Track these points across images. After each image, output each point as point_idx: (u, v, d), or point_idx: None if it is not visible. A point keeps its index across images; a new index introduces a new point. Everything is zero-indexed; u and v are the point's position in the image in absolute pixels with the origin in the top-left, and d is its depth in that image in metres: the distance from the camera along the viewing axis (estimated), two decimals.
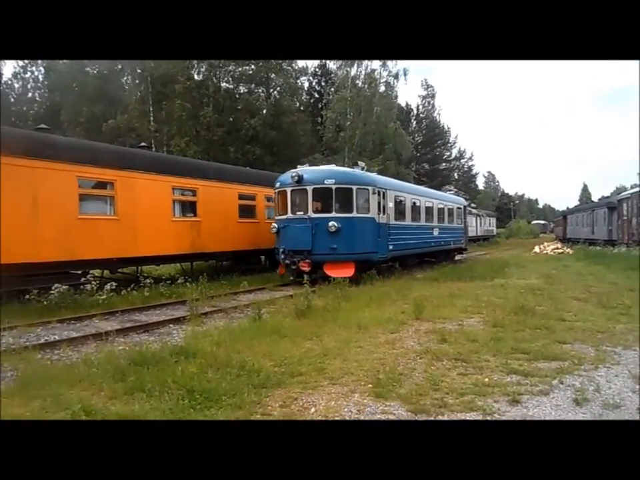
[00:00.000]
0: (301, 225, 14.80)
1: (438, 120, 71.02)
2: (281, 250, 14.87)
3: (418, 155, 64.02)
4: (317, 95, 49.49)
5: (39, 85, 46.63)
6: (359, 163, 17.62)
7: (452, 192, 33.00)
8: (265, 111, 37.50)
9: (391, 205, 17.07)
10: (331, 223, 14.38)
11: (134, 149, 16.28)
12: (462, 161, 78.54)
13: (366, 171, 17.24)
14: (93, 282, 11.25)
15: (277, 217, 15.82)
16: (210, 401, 4.87)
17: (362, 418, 4.55)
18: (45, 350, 7.03)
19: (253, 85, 38.85)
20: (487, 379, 5.55)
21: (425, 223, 21.23)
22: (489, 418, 4.50)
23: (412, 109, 67.85)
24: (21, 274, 10.44)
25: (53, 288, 10.27)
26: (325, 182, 14.87)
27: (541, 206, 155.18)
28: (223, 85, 37.28)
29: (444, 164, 74.50)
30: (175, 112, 32.88)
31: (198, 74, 35.87)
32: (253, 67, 37.07)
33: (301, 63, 44.55)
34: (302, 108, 44.45)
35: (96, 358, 6.19)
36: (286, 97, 39.44)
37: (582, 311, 9.61)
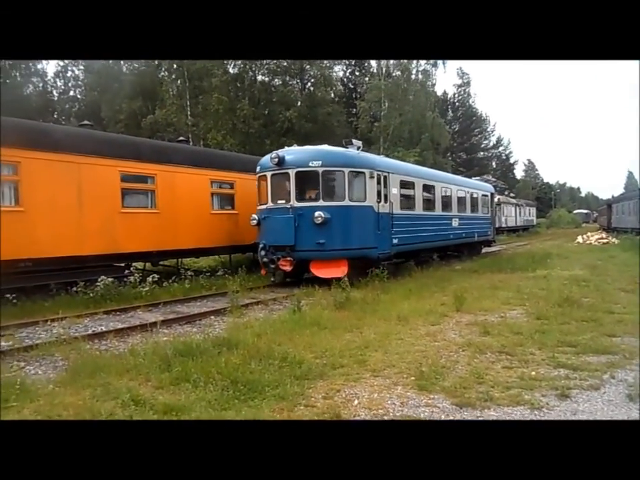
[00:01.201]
0: (283, 216, 12.60)
1: (475, 108, 69.63)
2: (261, 246, 12.82)
3: (455, 144, 62.92)
4: (351, 86, 49.19)
5: (79, 82, 47.94)
6: (353, 141, 14.36)
7: (478, 179, 29.55)
8: (299, 103, 37.50)
9: (395, 191, 14.48)
10: (317, 213, 12.11)
11: (173, 144, 16.54)
12: (500, 149, 76.84)
13: (362, 150, 14.29)
14: (135, 274, 11.54)
15: (257, 207, 13.62)
16: (253, 392, 4.92)
17: (406, 410, 4.52)
18: (94, 340, 7.24)
19: (287, 77, 38.90)
20: (533, 373, 5.42)
21: (442, 213, 18.40)
22: (535, 413, 4.40)
23: (449, 98, 66.72)
24: (69, 267, 10.81)
25: (99, 280, 10.58)
26: (310, 164, 12.51)
27: (583, 195, 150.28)
28: (259, 77, 37.48)
29: (481, 153, 73.06)
30: (211, 106, 33.25)
31: (233, 67, 36.15)
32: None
33: None
34: (337, 99, 44.26)
35: (142, 348, 6.35)
36: (320, 88, 39.31)
37: (631, 302, 9.26)
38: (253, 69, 36.58)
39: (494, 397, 4.73)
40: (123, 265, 12.19)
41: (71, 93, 47.96)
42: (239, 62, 35.33)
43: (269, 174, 13.11)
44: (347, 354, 6.31)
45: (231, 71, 35.97)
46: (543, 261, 17.55)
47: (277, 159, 12.69)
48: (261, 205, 13.44)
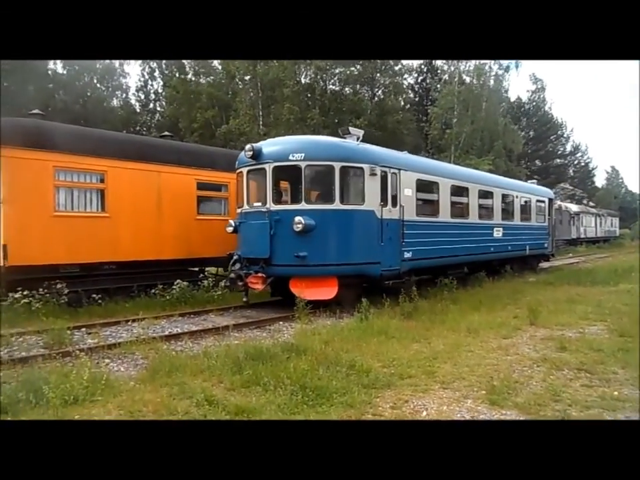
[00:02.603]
0: (257, 222, 10.29)
1: (550, 113, 66.69)
2: (235, 258, 10.63)
3: (529, 151, 60.56)
4: (422, 92, 48.66)
5: (159, 96, 50.48)
6: (352, 130, 11.74)
7: (533, 182, 24.52)
8: (369, 112, 37.53)
9: (408, 192, 11.71)
10: (297, 219, 9.69)
11: None
12: (577, 155, 73.02)
13: (361, 142, 11.55)
14: (209, 279, 11.99)
15: (237, 210, 11.44)
16: (321, 398, 4.99)
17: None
18: (170, 341, 7.58)
19: (358, 86, 39.08)
20: (615, 393, 5.13)
21: (478, 221, 15.09)
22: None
23: (523, 104, 64.39)
24: (148, 270, 11.43)
25: (175, 284, 11.09)
26: (291, 157, 10.11)
27: None
28: (329, 87, 37.89)
29: (558, 160, 69.75)
30: (282, 115, 33.97)
31: (305, 77, 36.81)
32: (359, 67, 37.31)
33: (406, 61, 44.14)
34: (407, 106, 43.93)
35: (215, 351, 6.59)
36: (390, 96, 39.19)
37: None
38: (324, 78, 37.06)
39: (572, 415, 4.52)
40: (197, 269, 12.70)
41: (151, 106, 50.57)
42: (311, 72, 35.92)
43: (244, 170, 10.92)
44: (415, 364, 6.26)
45: (302, 81, 36.63)
46: (627, 274, 16.48)
47: (251, 152, 10.38)
48: (238, 207, 11.33)
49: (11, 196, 9.51)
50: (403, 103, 43.60)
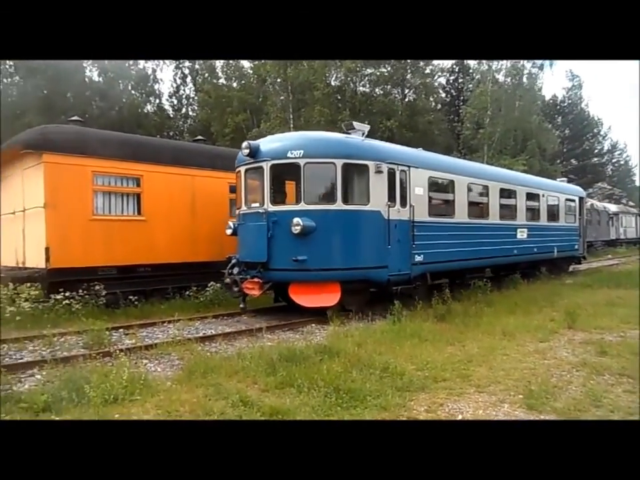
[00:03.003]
0: (255, 224, 9.83)
1: (586, 111, 64.95)
2: (233, 262, 10.28)
3: (565, 150, 59.16)
4: (454, 93, 48.13)
5: (191, 101, 51.36)
6: (356, 125, 10.91)
7: (562, 180, 23.04)
8: (400, 112, 37.34)
9: (419, 191, 11.04)
10: (295, 220, 9.19)
11: None
12: (615, 153, 70.89)
13: (366, 137, 10.81)
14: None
15: (236, 212, 11.02)
16: (355, 400, 4.99)
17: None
18: (205, 342, 7.71)
19: (388, 87, 38.94)
20: None
21: (499, 221, 14.18)
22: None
23: (558, 102, 62.93)
24: (183, 272, 11.63)
25: (209, 285, 11.26)
26: (289, 154, 9.58)
27: None
28: (360, 88, 37.87)
29: (595, 158, 67.86)
30: (313, 118, 34.12)
31: (335, 80, 36.89)
32: (389, 68, 37.18)
33: (437, 61, 43.76)
34: (438, 107, 43.54)
35: (249, 352, 6.65)
36: (421, 96, 38.94)
37: None
38: (354, 80, 37.07)
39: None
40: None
41: (183, 111, 51.48)
42: (341, 74, 35.97)
43: (242, 169, 10.47)
44: (449, 367, 6.20)
45: (332, 83, 36.72)
46: None
47: (248, 150, 9.85)
48: (237, 208, 10.90)
49: (53, 200, 9.84)
50: (434, 104, 43.23)
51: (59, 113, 37.19)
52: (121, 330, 8.63)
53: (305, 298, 9.35)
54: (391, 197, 10.24)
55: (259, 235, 9.56)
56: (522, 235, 15.38)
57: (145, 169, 11.20)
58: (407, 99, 40.19)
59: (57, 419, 4.31)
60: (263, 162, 9.77)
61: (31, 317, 8.66)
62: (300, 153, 9.50)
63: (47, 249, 9.74)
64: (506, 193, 14.76)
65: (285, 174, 10.19)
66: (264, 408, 4.73)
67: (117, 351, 6.35)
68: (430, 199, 11.50)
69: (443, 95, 47.88)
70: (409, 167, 10.80)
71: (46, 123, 11.26)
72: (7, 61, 41.11)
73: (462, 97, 44.86)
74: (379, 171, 9.91)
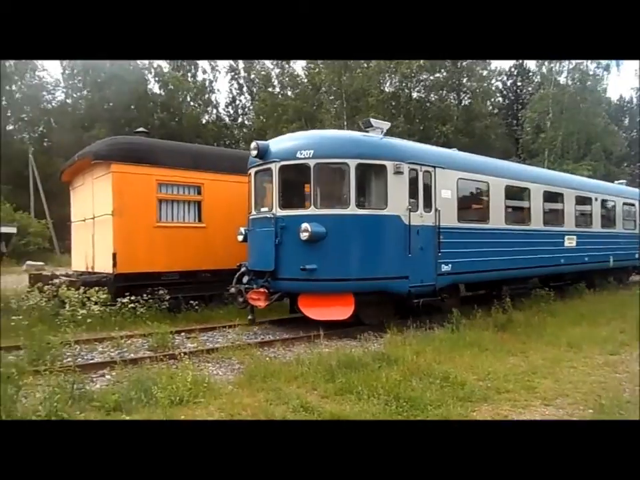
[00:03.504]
0: (263, 230, 9.22)
1: None
2: (242, 270, 9.70)
3: (633, 153, 56.27)
4: (512, 96, 46.91)
5: (246, 111, 52.58)
6: (373, 122, 9.96)
7: (621, 182, 20.81)
8: (456, 118, 36.78)
9: (446, 194, 10.07)
10: (303, 226, 8.49)
11: None
12: None
13: (385, 135, 9.76)
14: None
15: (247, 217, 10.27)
16: (415, 409, 4.93)
17: None
18: (264, 347, 7.82)
19: (444, 92, 38.48)
20: None
21: (543, 227, 12.88)
22: None
23: (624, 103, 59.99)
24: None
25: None
26: (298, 154, 8.87)
27: None
28: (415, 94, 37.62)
29: None
30: None
31: (390, 86, 36.86)
32: (444, 73, 36.77)
33: (494, 64, 42.77)
34: (495, 111, 42.56)
35: (307, 358, 6.71)
36: (478, 101, 38.23)
37: None
38: (409, 85, 36.85)
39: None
40: None
41: (239, 120, 52.76)
42: (396, 80, 35.84)
43: (253, 171, 9.86)
44: (512, 378, 6.03)
45: (387, 89, 36.66)
46: None
47: (256, 150, 9.22)
48: (248, 213, 10.20)
49: (120, 208, 10.31)
50: (491, 108, 42.30)
51: (123, 124, 39.04)
52: (183, 334, 8.88)
53: (314, 311, 8.70)
54: (413, 201, 9.37)
55: (266, 242, 8.96)
56: (570, 242, 14.01)
57: (206, 178, 11.54)
58: (462, 104, 39.53)
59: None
60: (272, 163, 9.16)
61: (99, 320, 9.08)
62: (310, 153, 8.79)
63: (114, 255, 10.20)
64: (551, 197, 13.57)
65: (295, 176, 9.36)
66: (324, 414, 4.76)
67: (181, 354, 6.54)
68: (460, 202, 10.52)
69: (501, 99, 46.73)
70: (434, 167, 9.86)
71: (112, 134, 11.84)
72: (76, 76, 43.57)
73: (520, 100, 43.65)
74: (398, 172, 9.04)
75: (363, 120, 10.22)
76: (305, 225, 8.46)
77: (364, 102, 35.10)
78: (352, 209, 8.76)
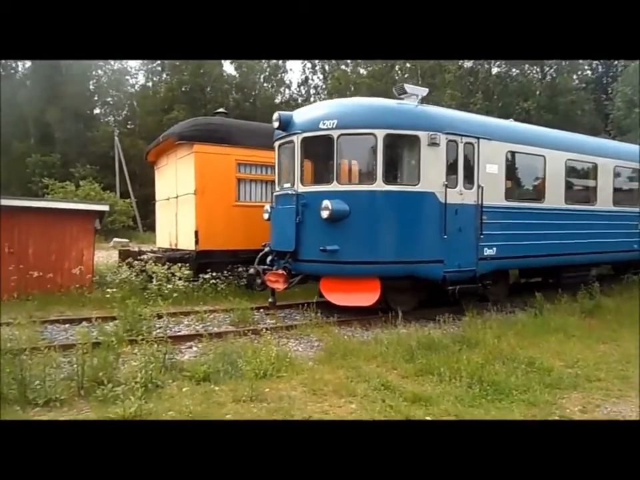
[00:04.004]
0: (284, 207, 8.72)
1: None
2: (265, 250, 9.26)
3: None
4: (601, 69, 43.68)
5: (318, 90, 52.60)
6: (408, 88, 8.86)
7: None
8: (539, 93, 34.81)
9: (492, 169, 9.08)
10: (324, 203, 7.85)
11: None
12: None
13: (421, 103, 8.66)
14: None
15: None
16: (500, 393, 4.85)
17: None
18: (341, 326, 7.88)
19: (526, 66, 36.46)
20: None
21: (612, 207, 11.63)
22: None
23: None
24: None
25: None
26: (321, 125, 8.13)
27: None
28: (494, 69, 35.97)
29: None
30: (444, 102, 33.13)
31: (468, 61, 35.41)
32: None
33: None
34: (583, 85, 39.82)
35: (386, 338, 6.71)
36: (563, 75, 35.89)
37: None
38: (489, 61, 35.26)
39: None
40: None
41: (312, 100, 52.84)
42: None
43: (277, 144, 9.31)
44: (603, 367, 5.78)
45: (465, 65, 35.29)
46: None
47: (278, 122, 8.65)
48: (274, 190, 9.77)
49: (202, 187, 10.69)
50: (577, 82, 39.64)
51: (199, 106, 40.25)
52: (261, 310, 9.13)
53: (336, 295, 8.09)
54: (451, 176, 8.48)
55: (288, 220, 8.38)
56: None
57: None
58: (546, 78, 37.31)
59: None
60: (294, 135, 8.53)
61: (183, 295, 9.52)
62: (333, 124, 8.04)
63: (196, 232, 10.62)
64: (624, 173, 12.22)
65: (318, 148, 8.54)
66: (406, 393, 4.76)
67: (264, 329, 6.74)
68: (509, 178, 9.56)
69: (589, 72, 43.63)
70: (477, 138, 8.87)
71: (190, 116, 12.22)
72: (155, 60, 45.29)
73: (611, 74, 40.58)
74: (433, 143, 8.17)
75: (396, 86, 9.28)
76: (325, 202, 7.84)
77: (440, 78, 34.00)
78: (379, 185, 7.99)
